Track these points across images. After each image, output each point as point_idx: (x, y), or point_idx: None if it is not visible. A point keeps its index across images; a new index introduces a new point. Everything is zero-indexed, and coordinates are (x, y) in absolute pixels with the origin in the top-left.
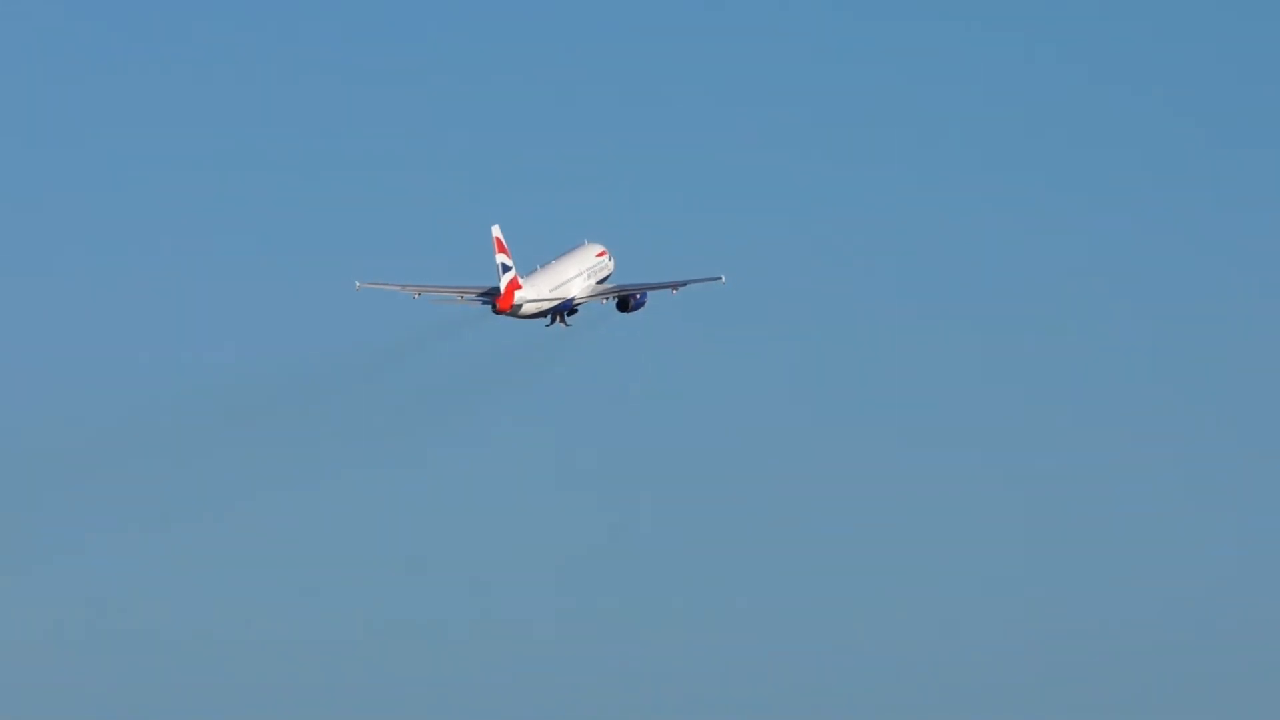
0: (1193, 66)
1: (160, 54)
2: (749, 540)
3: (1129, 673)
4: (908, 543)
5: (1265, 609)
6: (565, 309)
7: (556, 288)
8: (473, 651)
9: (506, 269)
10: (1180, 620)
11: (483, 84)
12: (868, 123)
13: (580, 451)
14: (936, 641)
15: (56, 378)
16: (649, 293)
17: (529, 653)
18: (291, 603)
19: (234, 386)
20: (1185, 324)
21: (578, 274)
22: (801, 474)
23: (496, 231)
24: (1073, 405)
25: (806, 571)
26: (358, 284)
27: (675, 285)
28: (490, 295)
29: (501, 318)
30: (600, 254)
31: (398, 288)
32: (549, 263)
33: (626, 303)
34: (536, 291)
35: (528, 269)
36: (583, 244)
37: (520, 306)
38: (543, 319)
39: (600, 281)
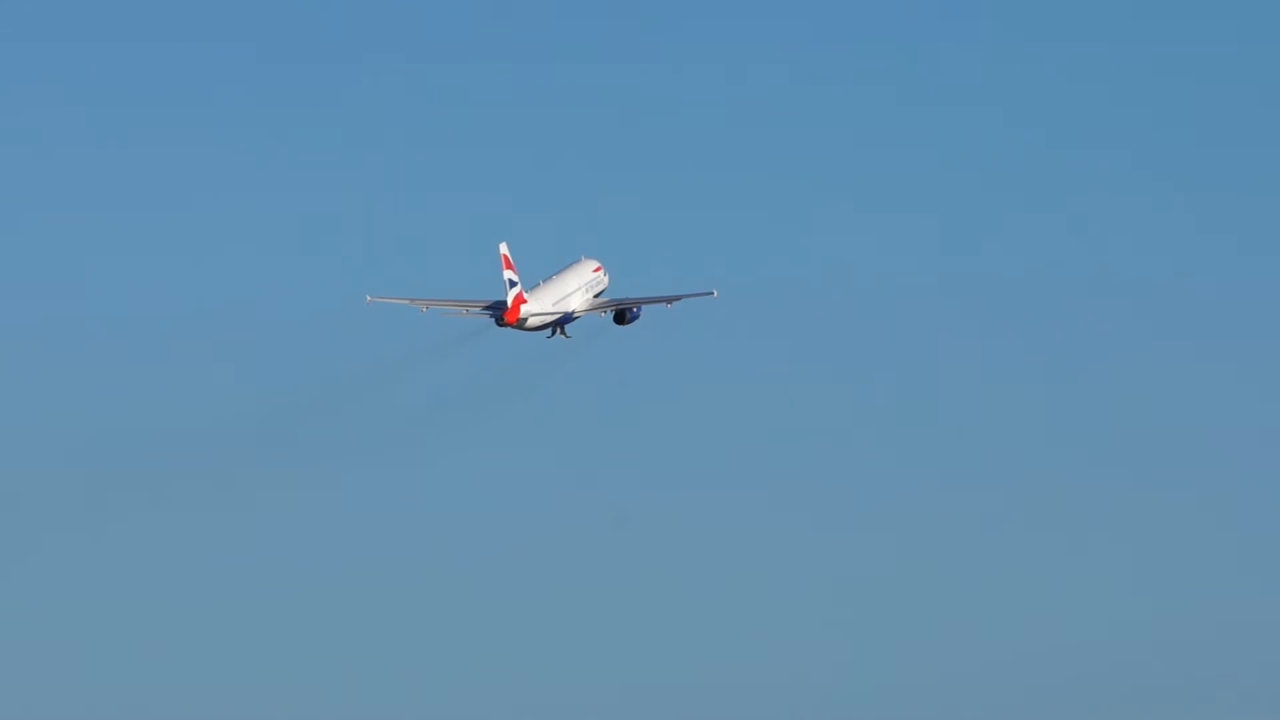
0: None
1: (171, 68)
2: (748, 539)
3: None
4: (905, 552)
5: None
6: (565, 321)
7: (558, 301)
8: (476, 657)
9: (513, 284)
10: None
11: (480, 100)
12: (858, 136)
13: (586, 458)
14: (936, 650)
15: (69, 388)
16: (644, 306)
17: (532, 658)
18: (300, 611)
19: (251, 398)
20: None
21: (577, 288)
22: (795, 478)
23: (504, 249)
24: (1070, 413)
25: (805, 573)
26: (369, 298)
27: (670, 299)
28: (497, 309)
29: (505, 330)
30: (596, 269)
31: (407, 302)
32: (550, 278)
33: (623, 316)
34: (540, 305)
35: (529, 284)
36: (580, 260)
37: (526, 320)
38: (543, 331)
39: (596, 296)
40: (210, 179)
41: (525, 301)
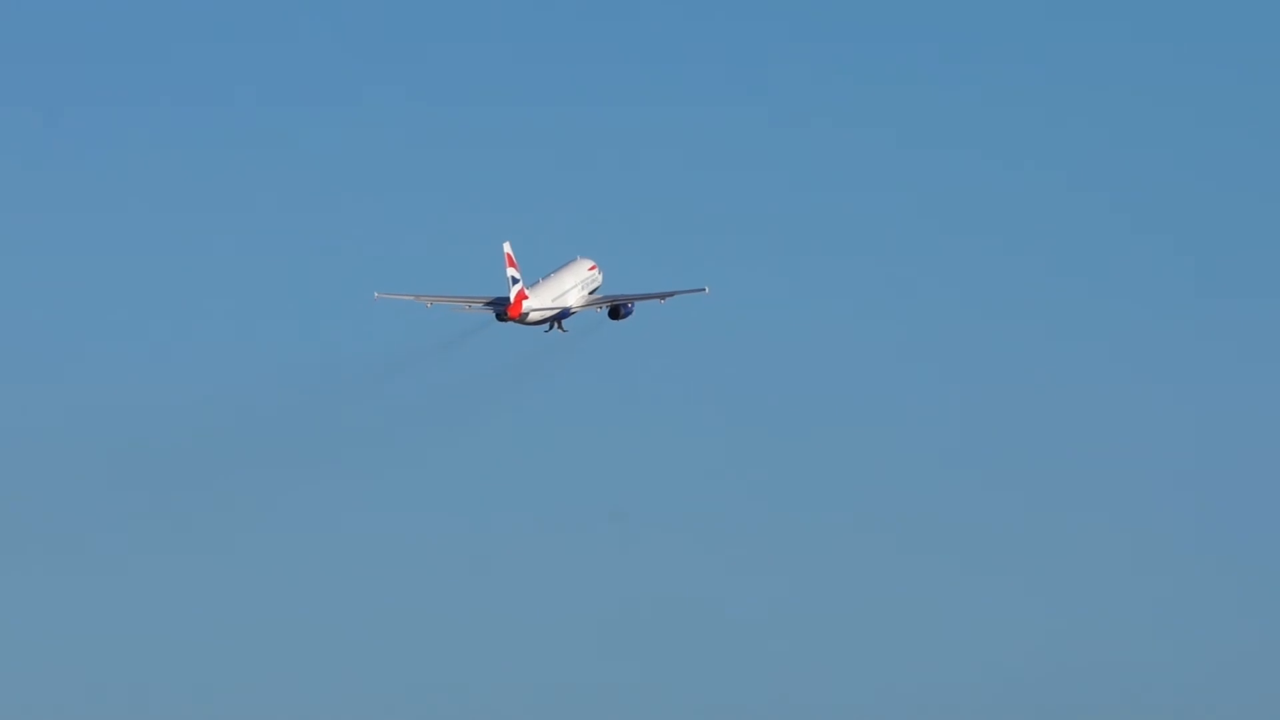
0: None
1: (179, 69)
2: (749, 532)
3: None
4: (899, 545)
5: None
6: (562, 317)
7: (557, 298)
8: (477, 651)
9: (515, 281)
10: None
11: (480, 101)
12: (850, 134)
13: (585, 447)
14: (932, 647)
15: (78, 385)
16: (637, 302)
17: (534, 652)
18: (305, 601)
19: (262, 391)
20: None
21: (574, 285)
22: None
23: (507, 248)
24: (1066, 414)
25: (802, 565)
26: (376, 294)
27: (663, 295)
28: (499, 304)
29: (506, 325)
30: (591, 268)
31: (413, 298)
32: (548, 276)
33: (617, 311)
34: (541, 301)
35: (528, 282)
36: (576, 259)
37: (528, 315)
38: (542, 326)
39: (591, 293)
40: (224, 180)
41: (527, 298)
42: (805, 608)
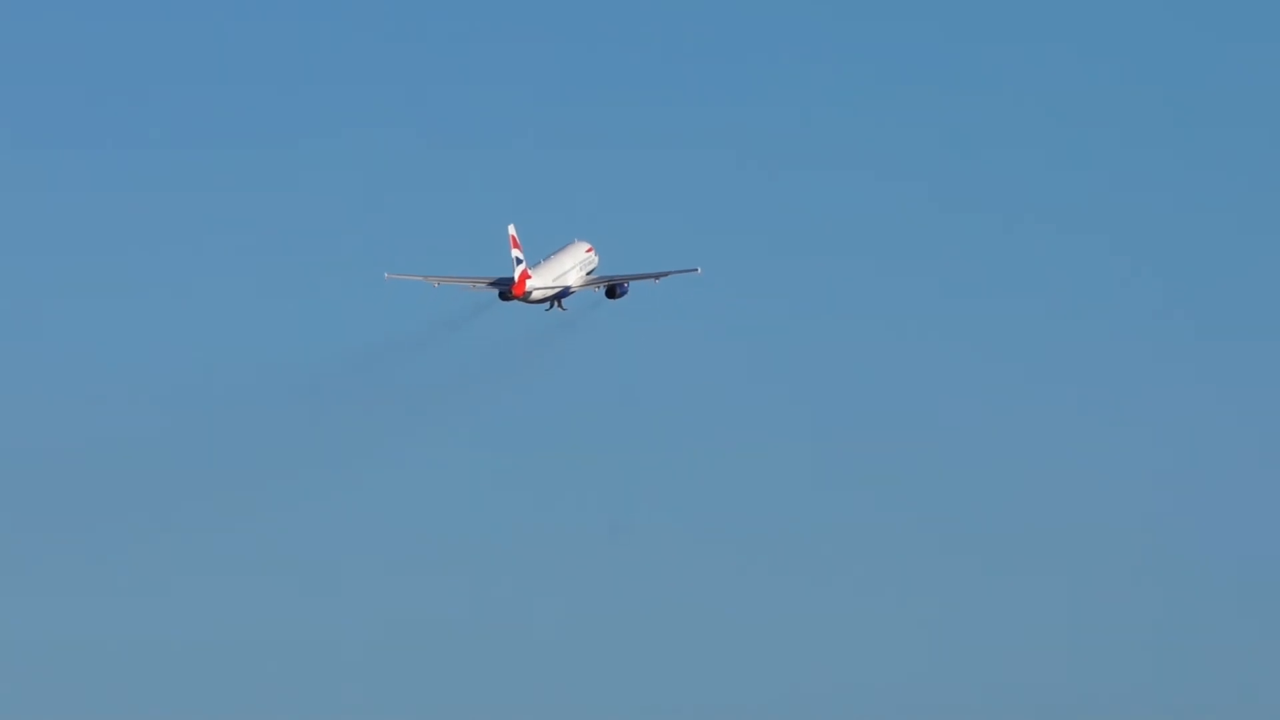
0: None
1: (188, 52)
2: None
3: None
4: (890, 526)
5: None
6: (562, 296)
7: (557, 278)
8: (480, 636)
9: (519, 262)
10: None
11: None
12: (844, 120)
13: (586, 424)
14: (925, 633)
15: (96, 371)
16: (632, 282)
17: (536, 639)
18: (310, 585)
19: (279, 369)
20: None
21: (572, 266)
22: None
23: (512, 230)
24: (1061, 404)
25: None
26: (387, 275)
27: (657, 275)
28: (504, 284)
29: (508, 305)
30: (588, 250)
31: (421, 278)
32: (549, 257)
33: (614, 291)
34: (543, 281)
35: (530, 264)
36: (574, 241)
37: (531, 294)
38: (543, 304)
39: (589, 273)
40: (236, 171)
41: (530, 277)
42: (803, 600)
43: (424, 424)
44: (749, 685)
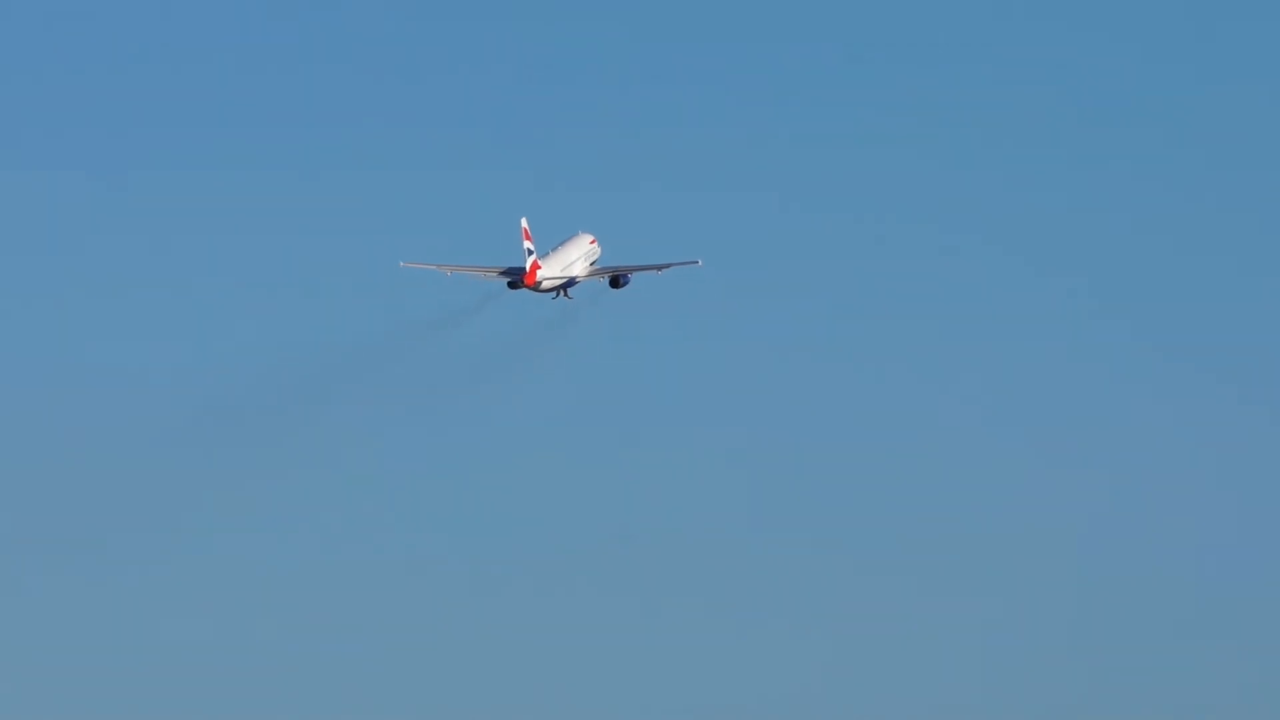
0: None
1: (211, 45)
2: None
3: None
4: (892, 518)
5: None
6: (569, 285)
7: (565, 268)
8: (484, 629)
9: (530, 253)
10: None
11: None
12: (847, 111)
13: (594, 407)
14: (926, 631)
15: (115, 358)
16: (635, 273)
17: (541, 633)
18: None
19: (300, 353)
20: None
21: (578, 257)
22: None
23: (524, 223)
24: (1062, 403)
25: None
26: (401, 263)
27: (659, 267)
28: (515, 273)
29: (517, 293)
30: (592, 241)
31: (434, 266)
32: (556, 248)
33: (617, 281)
34: (552, 271)
35: (538, 255)
36: (578, 234)
37: (541, 283)
38: (549, 294)
39: (593, 264)
40: (257, 160)
41: (540, 268)
42: (804, 597)
43: (432, 413)
44: (751, 683)
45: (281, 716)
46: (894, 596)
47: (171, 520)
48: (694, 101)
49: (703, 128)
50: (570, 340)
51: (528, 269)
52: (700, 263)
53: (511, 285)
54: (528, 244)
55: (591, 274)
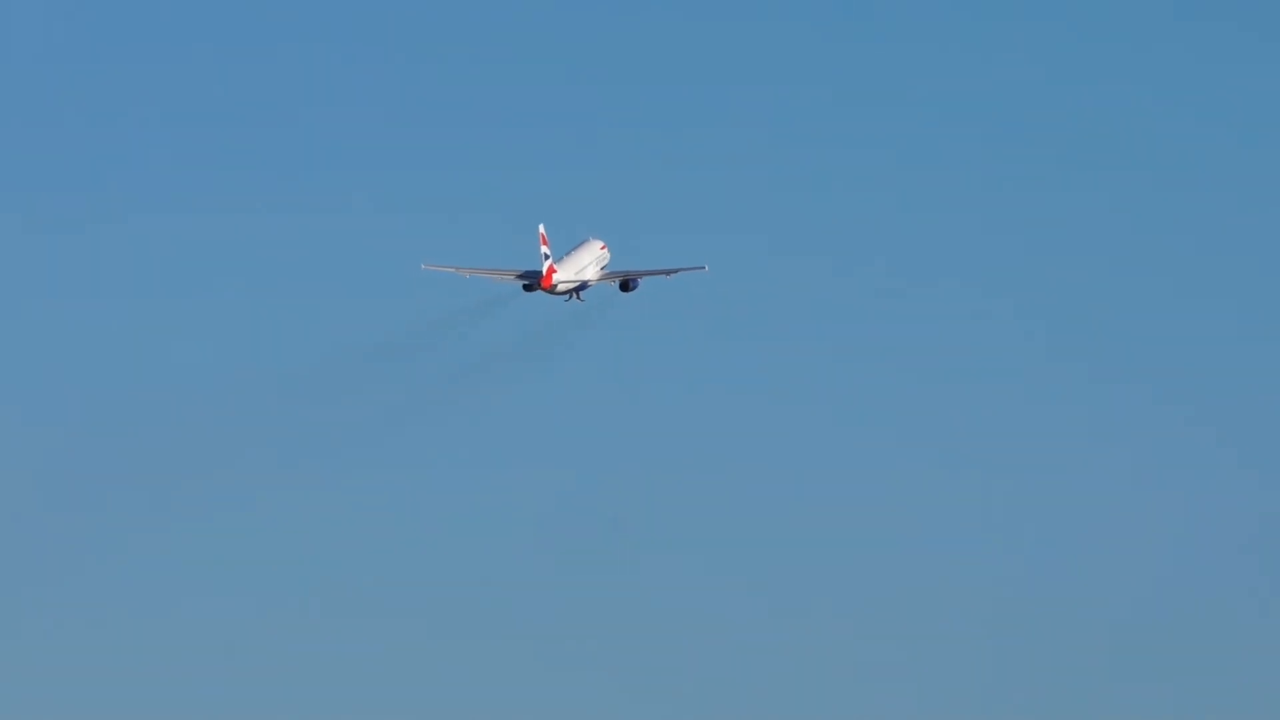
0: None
1: (225, 41)
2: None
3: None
4: (892, 521)
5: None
6: (581, 288)
7: (578, 272)
8: (491, 626)
9: (547, 257)
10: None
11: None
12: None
13: (604, 404)
14: (924, 632)
15: (133, 353)
16: (644, 278)
17: (549, 630)
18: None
19: (328, 350)
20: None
21: (590, 262)
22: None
23: (542, 229)
24: (1063, 406)
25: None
26: (423, 265)
27: (668, 272)
28: (532, 276)
29: (531, 295)
30: (602, 247)
31: (454, 269)
32: (569, 253)
33: (627, 285)
34: (567, 274)
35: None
36: (589, 239)
37: (556, 286)
38: (563, 296)
39: (603, 268)
40: (282, 160)
41: (556, 271)
42: (808, 596)
43: (447, 411)
44: (756, 681)
45: (289, 716)
46: (893, 595)
47: (182, 521)
48: (700, 105)
49: (704, 129)
50: (585, 340)
51: (544, 272)
52: (706, 268)
53: (527, 288)
54: (544, 249)
55: (602, 278)
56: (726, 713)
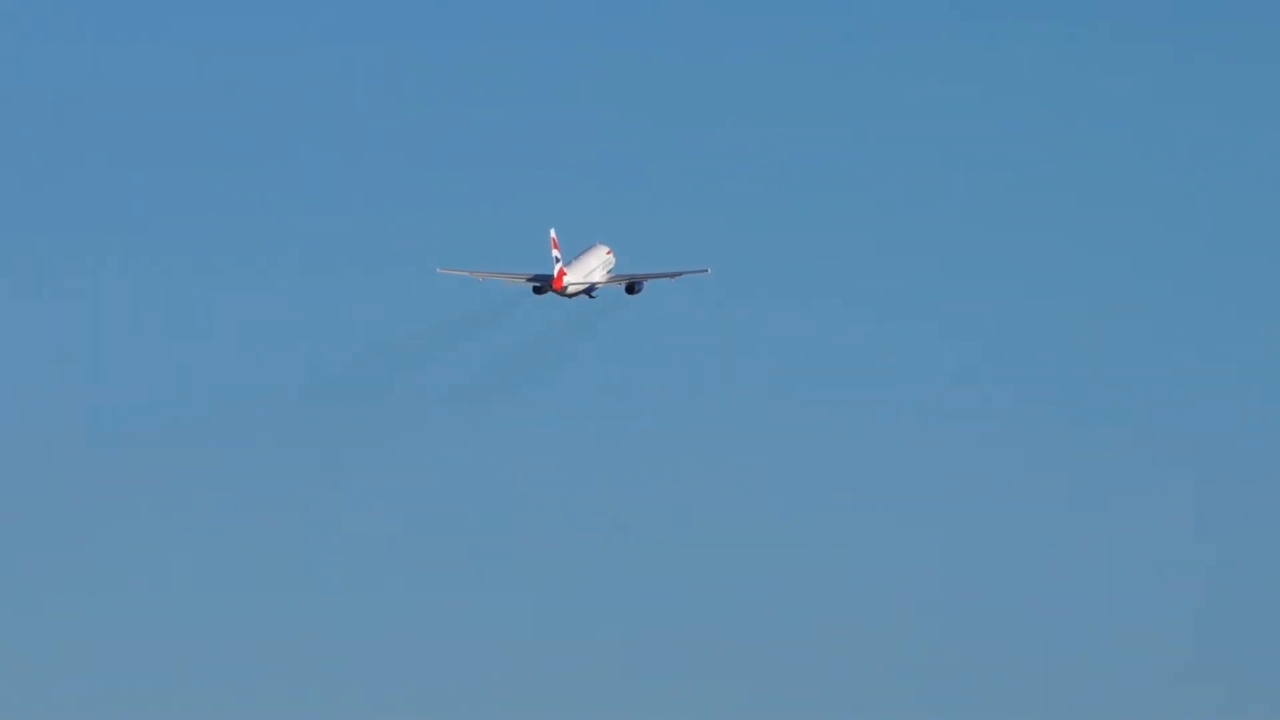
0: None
1: (244, 46)
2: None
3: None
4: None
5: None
6: (589, 291)
7: (587, 275)
8: (499, 627)
9: (557, 260)
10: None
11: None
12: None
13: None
14: (924, 630)
15: (138, 355)
16: (648, 281)
17: (556, 630)
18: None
19: (349, 351)
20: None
21: (597, 266)
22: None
23: (553, 233)
24: (1068, 404)
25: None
26: (439, 269)
27: (672, 275)
28: (544, 279)
29: (542, 298)
30: (608, 252)
31: (468, 273)
32: (578, 257)
33: (632, 288)
34: (576, 277)
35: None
36: (595, 244)
37: (567, 288)
38: (573, 297)
39: (609, 272)
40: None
41: (566, 274)
42: (812, 594)
43: (462, 414)
44: (755, 681)
45: (303, 714)
46: (893, 596)
47: (193, 520)
48: (704, 111)
49: (709, 131)
50: (593, 342)
51: (555, 275)
52: (709, 271)
53: (537, 290)
54: (555, 252)
55: (609, 281)
56: (726, 713)
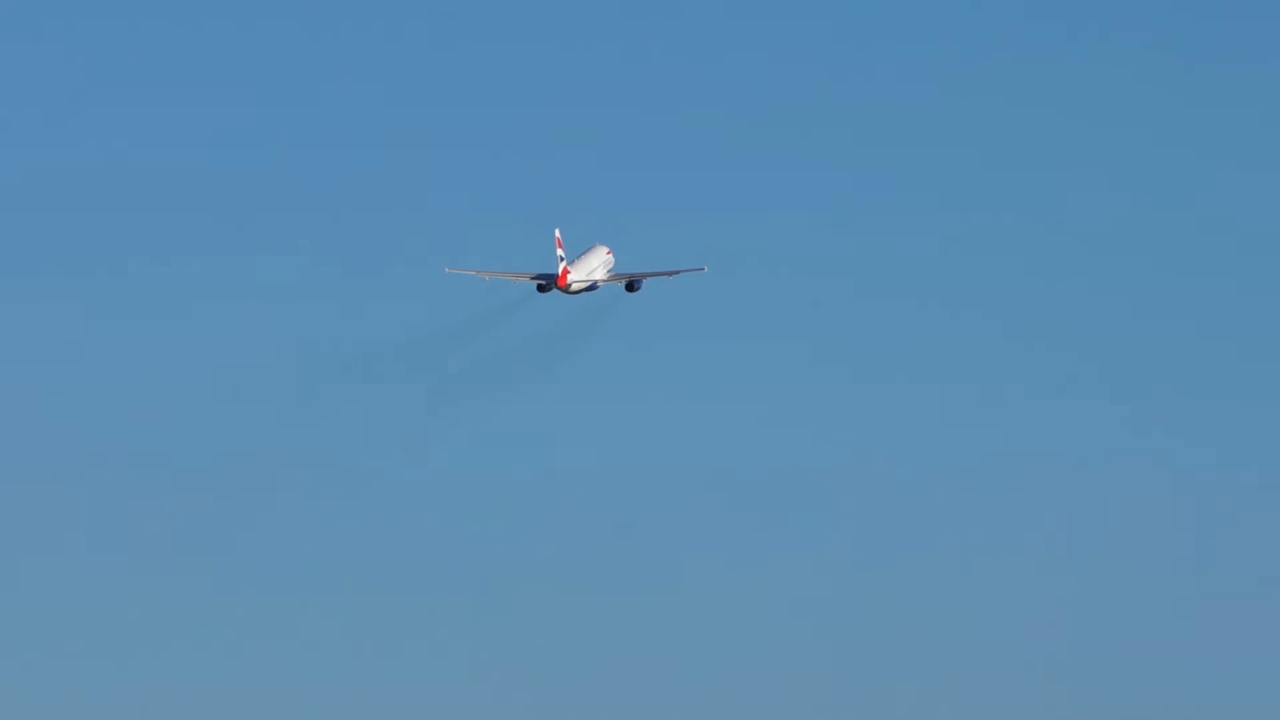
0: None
1: (254, 45)
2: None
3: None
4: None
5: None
6: (591, 289)
7: (589, 274)
8: (504, 628)
9: (562, 259)
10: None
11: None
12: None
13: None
14: (925, 630)
15: (158, 353)
16: (649, 279)
17: (556, 631)
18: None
19: (352, 350)
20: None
21: (598, 265)
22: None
23: (558, 233)
24: (1070, 401)
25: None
26: (447, 269)
27: (670, 273)
28: (549, 278)
29: (546, 296)
30: (608, 252)
31: (475, 273)
32: (580, 256)
33: (632, 285)
34: (580, 275)
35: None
36: (596, 245)
37: (571, 286)
38: (575, 295)
39: (609, 271)
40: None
41: (570, 273)
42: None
43: (474, 407)
44: (756, 682)
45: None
46: (893, 597)
47: (193, 521)
48: (707, 113)
49: (709, 132)
50: (597, 339)
51: (560, 274)
52: (706, 269)
53: (541, 289)
54: (560, 251)
55: (610, 279)
56: (726, 713)
